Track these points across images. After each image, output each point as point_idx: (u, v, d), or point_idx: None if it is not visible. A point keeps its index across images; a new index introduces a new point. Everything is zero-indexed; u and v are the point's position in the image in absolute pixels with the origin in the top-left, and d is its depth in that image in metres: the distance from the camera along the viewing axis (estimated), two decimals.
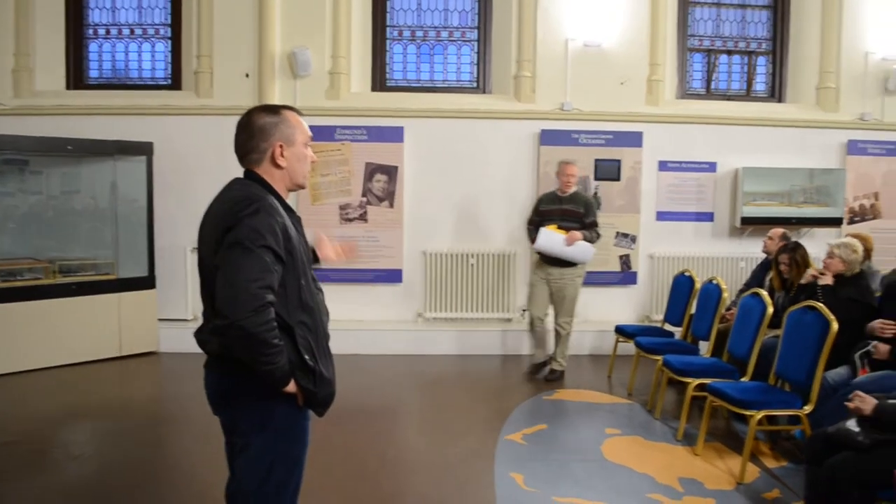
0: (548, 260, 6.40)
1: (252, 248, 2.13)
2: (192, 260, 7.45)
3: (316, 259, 2.79)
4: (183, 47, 7.68)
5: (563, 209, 6.39)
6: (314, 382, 2.31)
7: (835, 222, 7.82)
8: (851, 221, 7.92)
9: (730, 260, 7.89)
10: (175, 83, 7.75)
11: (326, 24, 7.48)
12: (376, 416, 5.51)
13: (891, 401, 3.31)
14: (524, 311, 7.72)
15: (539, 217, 6.50)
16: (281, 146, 2.36)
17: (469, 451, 4.74)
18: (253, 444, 2.34)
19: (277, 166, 2.38)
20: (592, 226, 6.39)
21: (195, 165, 7.41)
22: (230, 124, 7.81)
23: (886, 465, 3.06)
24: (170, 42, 7.81)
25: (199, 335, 2.43)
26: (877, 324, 4.54)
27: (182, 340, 7.20)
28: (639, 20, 7.66)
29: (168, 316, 7.39)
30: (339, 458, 4.51)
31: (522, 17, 7.60)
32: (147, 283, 7.18)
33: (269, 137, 2.36)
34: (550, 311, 6.66)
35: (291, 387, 2.27)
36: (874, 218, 8.01)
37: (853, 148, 7.95)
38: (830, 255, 4.98)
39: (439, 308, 7.70)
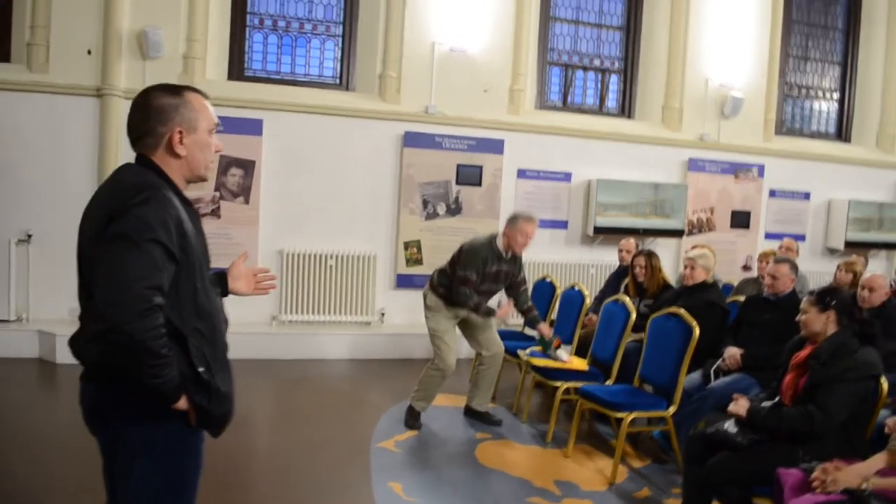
0: (454, 302, 5.17)
1: (139, 241, 1.83)
2: (16, 253, 6.68)
3: (224, 290, 2.47)
4: (14, 15, 6.82)
5: (504, 271, 5.24)
6: (209, 399, 2.03)
7: (677, 233, 8.36)
8: (690, 233, 8.48)
9: (581, 266, 8.20)
10: (3, 55, 6.89)
11: (182, 3, 6.96)
12: (232, 426, 5.14)
13: (765, 403, 3.50)
14: (382, 314, 7.62)
15: (481, 280, 5.11)
16: (181, 132, 2.05)
17: (342, 460, 4.55)
18: (136, 467, 2.03)
19: (175, 155, 2.07)
20: (524, 282, 5.51)
21: (25, 148, 6.68)
22: (68, 104, 7.12)
23: (762, 464, 3.25)
24: None
25: (75, 342, 2.10)
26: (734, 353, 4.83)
27: (3, 343, 6.49)
28: (503, 30, 7.77)
29: None
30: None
31: (390, 16, 7.47)
32: None
33: (168, 121, 2.04)
34: None
35: (182, 403, 1.98)
36: (709, 231, 8.64)
37: (693, 165, 8.54)
38: (692, 267, 5.25)
39: (296, 310, 7.38)
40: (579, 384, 5.00)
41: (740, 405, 3.50)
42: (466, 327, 5.40)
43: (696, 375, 4.92)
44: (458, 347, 5.42)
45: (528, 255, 7.91)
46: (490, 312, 5.14)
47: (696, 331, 4.49)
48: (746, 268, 8.77)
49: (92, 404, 2.08)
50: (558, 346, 5.42)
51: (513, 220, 5.13)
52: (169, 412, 1.99)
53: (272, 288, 2.65)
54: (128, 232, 1.84)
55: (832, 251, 9.27)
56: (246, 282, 2.54)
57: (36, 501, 3.73)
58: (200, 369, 2.00)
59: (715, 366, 4.90)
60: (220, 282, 2.46)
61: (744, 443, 3.36)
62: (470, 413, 5.48)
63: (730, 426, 3.48)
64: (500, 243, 5.14)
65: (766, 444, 3.35)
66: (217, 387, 2.06)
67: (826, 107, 9.65)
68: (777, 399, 3.54)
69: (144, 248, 1.84)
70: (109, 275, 1.83)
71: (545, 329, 5.47)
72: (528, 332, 6.58)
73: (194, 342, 2.00)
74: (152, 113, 2.04)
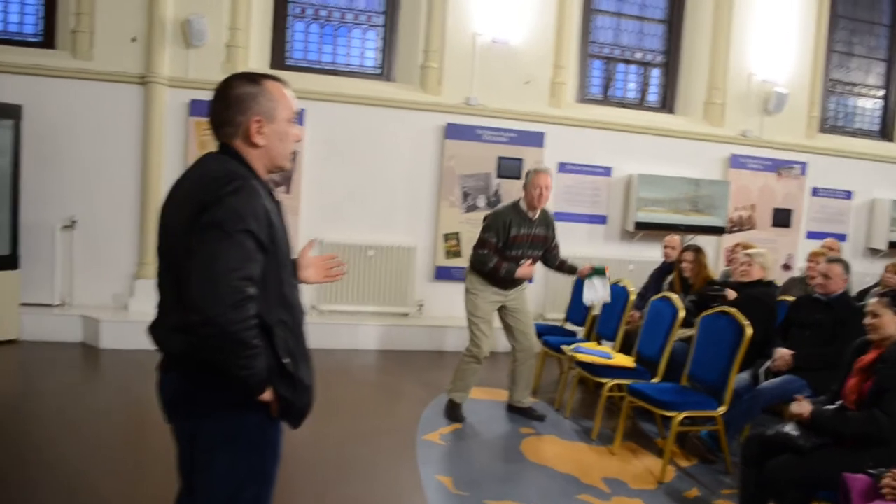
0: (500, 282, 5.14)
1: (232, 232, 1.83)
2: (61, 239, 6.76)
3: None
4: (59, 2, 6.86)
5: (534, 234, 5.15)
6: (293, 390, 2.02)
7: (717, 231, 8.26)
8: (730, 231, 8.38)
9: (620, 262, 8.09)
10: (48, 41, 6.93)
11: None
12: None
13: (827, 407, 3.44)
14: (421, 306, 7.61)
15: (506, 245, 5.05)
16: (259, 121, 2.03)
17: (388, 453, 4.56)
18: (219, 459, 2.02)
19: (254, 144, 2.05)
20: (558, 247, 5.44)
21: (71, 134, 6.74)
22: (112, 91, 7.16)
23: (826, 467, 3.19)
24: None
25: (156, 331, 2.08)
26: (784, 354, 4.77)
27: (47, 328, 6.54)
28: (545, 21, 7.71)
29: (32, 300, 6.63)
30: None
31: (432, 6, 7.43)
32: (9, 262, 6.37)
33: (247, 111, 2.03)
34: None
35: (267, 395, 1.98)
36: (750, 228, 8.53)
37: (735, 162, 8.43)
38: (749, 264, 5.17)
39: (335, 300, 7.40)
40: (625, 381, 4.96)
41: (803, 407, 3.44)
42: (505, 319, 5.33)
43: (745, 376, 4.86)
44: (497, 340, 5.41)
45: (566, 250, 7.92)
46: (511, 271, 5.04)
47: (749, 330, 4.44)
48: (787, 267, 8.66)
49: (173, 395, 2.08)
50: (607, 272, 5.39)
51: (526, 175, 5.17)
52: (252, 403, 1.99)
53: (342, 275, 2.62)
54: (220, 222, 1.83)
55: (874, 252, 9.13)
56: (315, 270, 2.50)
57: (81, 484, 3.74)
58: (286, 360, 1.99)
59: (764, 366, 4.85)
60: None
61: (807, 446, 3.31)
62: (512, 409, 5.46)
63: (791, 429, 3.43)
64: (524, 204, 5.12)
65: (830, 448, 3.30)
66: (301, 378, 2.05)
67: (870, 104, 9.48)
68: (840, 403, 3.48)
69: (237, 238, 1.84)
70: (203, 266, 1.82)
71: (586, 269, 5.37)
72: (569, 326, 6.54)
73: (279, 333, 1.99)
74: (231, 102, 2.03)
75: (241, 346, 1.83)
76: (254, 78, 2.09)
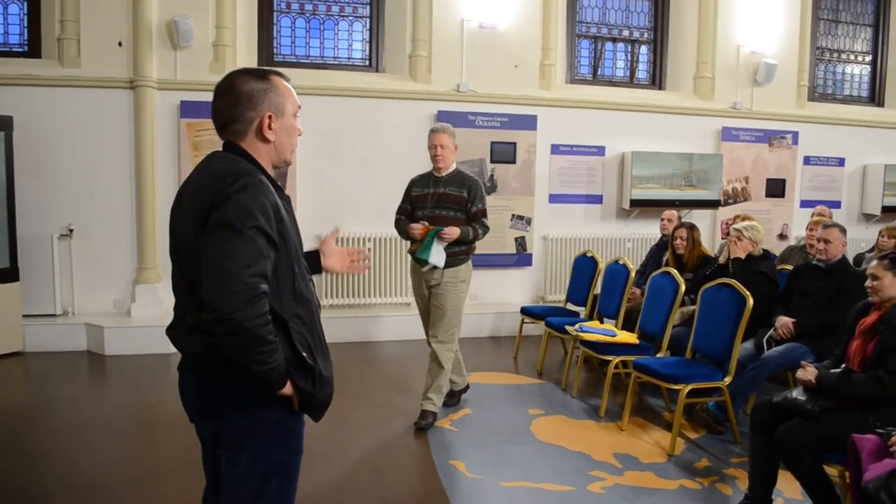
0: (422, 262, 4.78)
1: (242, 229, 1.82)
2: (59, 248, 6.77)
3: (317, 267, 2.47)
4: (43, 10, 6.85)
5: (440, 193, 4.76)
6: (313, 383, 2.02)
7: (713, 204, 8.29)
8: (725, 204, 8.41)
9: (617, 240, 8.16)
10: (34, 51, 6.91)
11: None
12: None
13: (833, 371, 3.47)
14: None
15: (410, 204, 4.90)
16: (270, 117, 2.03)
17: (400, 440, 4.59)
18: (242, 456, 2.03)
19: (264, 140, 2.05)
20: (478, 216, 4.80)
21: (62, 143, 6.73)
22: (101, 97, 7.14)
23: (835, 430, 3.22)
24: (25, 4, 6.95)
25: (174, 333, 2.09)
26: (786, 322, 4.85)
27: (50, 338, 6.54)
28: (531, 4, 7.70)
29: (33, 311, 6.64)
30: None
31: None
32: (9, 275, 6.36)
33: (258, 106, 2.02)
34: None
35: (287, 389, 1.98)
36: (745, 200, 8.56)
37: (727, 135, 8.46)
38: (739, 238, 5.20)
39: (336, 294, 7.43)
40: (630, 358, 5.00)
41: (809, 372, 3.47)
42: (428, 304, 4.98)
43: (749, 345, 4.91)
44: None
45: (563, 230, 7.99)
46: (403, 228, 4.85)
47: (750, 300, 4.48)
48: (783, 237, 8.70)
49: (195, 395, 2.09)
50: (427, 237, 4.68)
51: None
52: (273, 399, 2.00)
53: (366, 268, 2.66)
54: (230, 220, 1.82)
55: (868, 217, 9.18)
56: (339, 259, 2.53)
57: (95, 491, 3.76)
58: (304, 354, 1.99)
59: (767, 335, 4.89)
60: (312, 260, 2.44)
61: (815, 410, 3.34)
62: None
63: (798, 394, 3.46)
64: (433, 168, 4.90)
65: (837, 411, 3.33)
66: (320, 370, 2.05)
67: (858, 70, 9.49)
68: (844, 366, 3.51)
69: (247, 235, 1.83)
70: (215, 264, 1.82)
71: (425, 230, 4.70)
72: (571, 307, 6.58)
73: (295, 327, 1.99)
74: (240, 98, 2.02)
75: (258, 342, 1.83)
76: (261, 74, 2.08)
